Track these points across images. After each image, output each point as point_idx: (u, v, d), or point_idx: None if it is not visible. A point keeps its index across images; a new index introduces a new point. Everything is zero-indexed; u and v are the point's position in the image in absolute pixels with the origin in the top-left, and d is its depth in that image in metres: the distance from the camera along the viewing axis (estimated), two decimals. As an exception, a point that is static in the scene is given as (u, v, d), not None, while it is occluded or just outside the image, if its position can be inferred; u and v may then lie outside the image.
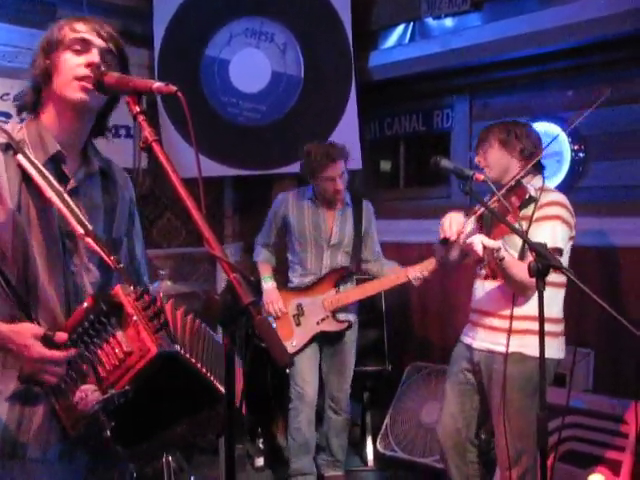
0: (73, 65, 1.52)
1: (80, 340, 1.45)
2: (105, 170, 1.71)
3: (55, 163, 1.57)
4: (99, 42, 1.55)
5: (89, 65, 1.51)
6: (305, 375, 3.54)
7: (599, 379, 3.55)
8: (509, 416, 2.63)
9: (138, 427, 1.56)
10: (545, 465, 2.02)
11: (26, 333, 1.42)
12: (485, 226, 2.50)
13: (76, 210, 1.52)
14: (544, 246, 1.97)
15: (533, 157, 2.69)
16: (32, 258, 1.51)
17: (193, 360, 1.50)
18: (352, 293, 3.51)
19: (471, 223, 2.58)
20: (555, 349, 2.69)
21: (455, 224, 2.58)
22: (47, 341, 1.42)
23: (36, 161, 1.52)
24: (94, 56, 1.52)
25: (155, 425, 1.59)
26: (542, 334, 1.96)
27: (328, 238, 3.52)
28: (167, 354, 1.42)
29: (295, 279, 3.61)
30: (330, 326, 3.52)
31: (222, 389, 1.48)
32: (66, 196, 1.52)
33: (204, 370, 1.52)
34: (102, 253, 1.55)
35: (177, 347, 1.47)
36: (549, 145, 2.85)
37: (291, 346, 3.49)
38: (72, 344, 1.44)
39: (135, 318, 1.42)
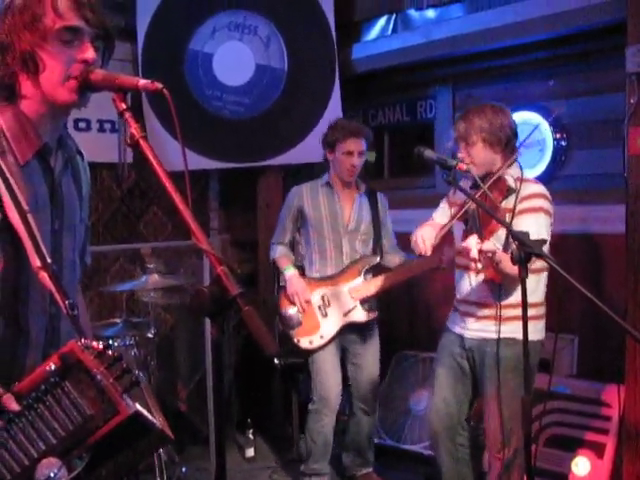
0: (65, 62, 1.41)
1: (33, 405, 1.24)
2: (81, 152, 1.64)
3: (40, 157, 1.48)
4: (89, 30, 1.43)
5: (84, 62, 1.41)
6: (329, 378, 3.45)
7: (583, 364, 3.61)
8: (503, 398, 2.69)
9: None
10: (529, 448, 2.06)
11: None
12: (473, 227, 2.51)
13: (37, 236, 1.38)
14: (526, 234, 2.01)
15: (512, 146, 2.73)
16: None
17: (147, 414, 1.33)
18: (382, 281, 3.36)
19: (456, 225, 2.63)
20: (540, 331, 2.78)
21: (427, 239, 2.66)
22: None
23: (4, 168, 1.39)
24: (89, 52, 1.42)
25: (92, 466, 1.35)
26: (525, 320, 2.01)
27: (345, 223, 3.47)
28: (133, 415, 1.26)
29: (315, 272, 3.52)
30: (359, 316, 3.43)
31: (157, 423, 1.34)
32: (29, 217, 1.38)
33: (152, 418, 1.35)
34: (56, 293, 1.39)
35: (137, 405, 1.29)
36: (530, 135, 2.88)
37: (319, 339, 3.41)
38: (25, 409, 1.23)
39: (99, 377, 1.24)
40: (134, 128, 1.31)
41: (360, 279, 3.43)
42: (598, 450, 3.20)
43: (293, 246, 3.69)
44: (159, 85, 1.31)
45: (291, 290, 3.44)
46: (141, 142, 1.30)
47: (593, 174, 3.73)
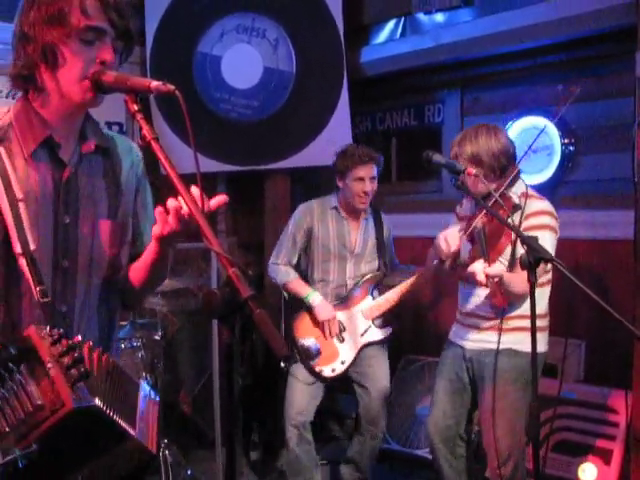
0: (84, 61, 1.43)
1: None
2: (106, 148, 1.62)
3: (48, 149, 1.50)
4: (112, 31, 1.44)
5: (102, 63, 1.42)
6: (295, 395, 3.40)
7: (590, 369, 3.60)
8: (500, 410, 2.65)
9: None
10: (538, 454, 2.05)
11: None
12: (480, 246, 2.50)
13: (24, 224, 1.42)
14: (535, 239, 2.00)
15: (510, 167, 2.68)
16: None
17: (110, 412, 1.30)
18: (391, 297, 3.34)
19: (465, 242, 2.61)
20: (543, 343, 2.74)
21: (452, 243, 2.61)
22: None
23: (5, 157, 1.44)
24: (108, 53, 1.43)
25: (54, 476, 1.34)
26: (534, 325, 2.00)
27: (352, 248, 3.43)
28: (85, 409, 1.23)
29: (317, 291, 3.42)
30: (375, 335, 3.41)
31: (132, 431, 1.33)
32: (20, 205, 1.42)
33: (118, 419, 1.32)
34: (30, 279, 1.41)
35: (97, 400, 1.27)
36: (536, 140, 2.86)
37: (340, 365, 3.35)
38: None
39: (49, 366, 1.23)
40: (146, 130, 1.31)
41: (369, 298, 3.43)
42: (605, 456, 3.18)
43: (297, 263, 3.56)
44: (171, 87, 1.31)
45: (323, 318, 3.34)
46: (153, 144, 1.30)
47: (601, 179, 3.72)
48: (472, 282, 2.65)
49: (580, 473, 3.21)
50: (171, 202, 1.36)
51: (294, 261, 3.48)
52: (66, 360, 1.25)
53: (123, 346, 3.41)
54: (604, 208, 3.59)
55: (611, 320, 1.70)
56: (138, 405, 1.44)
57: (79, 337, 1.39)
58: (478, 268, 2.41)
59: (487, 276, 2.40)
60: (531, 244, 1.96)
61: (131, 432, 1.33)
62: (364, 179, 3.30)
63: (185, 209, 1.33)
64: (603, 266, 3.56)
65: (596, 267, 3.56)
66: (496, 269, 2.43)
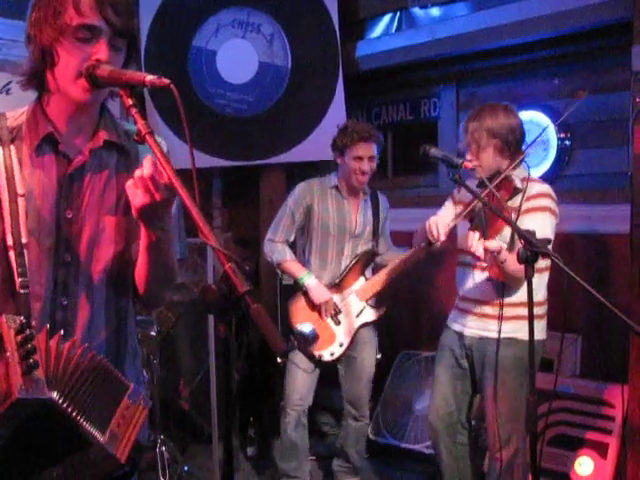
0: (79, 58, 1.43)
1: None
2: (120, 143, 1.60)
3: (52, 145, 1.52)
4: (108, 29, 1.43)
5: (97, 61, 1.41)
6: (296, 378, 3.39)
7: (586, 364, 3.60)
8: (500, 397, 2.68)
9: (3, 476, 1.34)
10: (535, 448, 2.06)
11: None
12: (479, 226, 2.50)
13: (20, 218, 1.46)
14: (533, 234, 2.00)
15: (519, 149, 2.73)
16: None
17: (68, 408, 1.28)
18: (384, 275, 3.28)
19: (461, 224, 2.61)
20: (541, 331, 2.76)
21: (441, 226, 2.65)
22: None
23: (14, 155, 1.48)
24: (102, 52, 1.43)
25: (24, 473, 1.34)
26: (531, 320, 2.00)
27: (352, 229, 3.41)
28: (35, 402, 1.23)
29: (313, 272, 3.38)
30: (370, 316, 3.40)
31: (99, 437, 1.31)
32: (20, 200, 1.46)
33: (79, 418, 1.30)
34: (15, 270, 1.45)
35: (53, 394, 1.26)
36: (539, 137, 2.87)
37: (339, 348, 3.35)
38: None
39: (8, 355, 1.23)
40: (141, 124, 1.30)
41: (362, 279, 3.41)
42: (601, 450, 3.19)
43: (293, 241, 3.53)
44: (166, 81, 1.30)
45: (319, 300, 3.31)
46: (148, 138, 1.29)
47: (598, 173, 3.72)
48: (469, 262, 2.71)
49: (577, 467, 3.22)
50: (137, 172, 1.33)
51: (291, 239, 3.44)
52: (24, 349, 1.26)
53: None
54: (600, 202, 3.59)
55: (607, 314, 1.71)
56: (118, 410, 1.40)
57: (47, 326, 1.38)
58: (474, 238, 2.41)
59: (485, 250, 2.40)
60: (528, 238, 1.96)
61: (98, 437, 1.31)
62: (363, 158, 3.27)
63: (150, 174, 1.30)
64: (599, 260, 3.56)
65: (592, 261, 3.56)
66: (494, 243, 2.44)
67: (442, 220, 2.70)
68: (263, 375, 4.40)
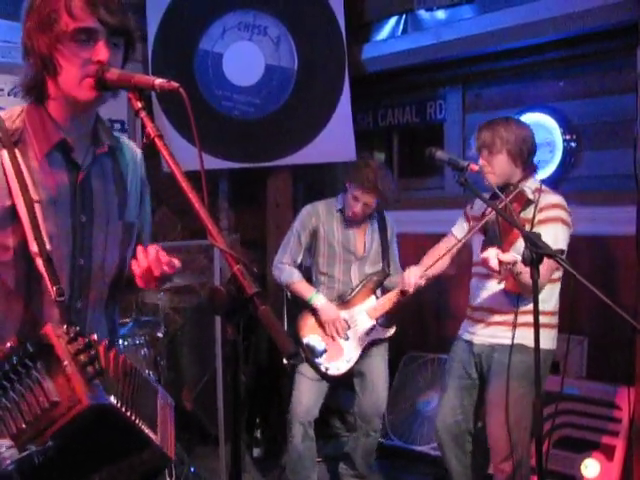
0: (80, 62, 1.43)
1: (3, 384, 1.24)
2: (114, 149, 1.64)
3: (62, 152, 1.52)
4: (104, 30, 1.43)
5: (98, 62, 1.42)
6: (302, 393, 3.40)
7: (592, 366, 3.60)
8: (507, 405, 2.66)
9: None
10: (541, 451, 2.06)
11: None
12: (492, 238, 2.50)
13: (40, 225, 1.45)
14: (538, 236, 2.00)
15: (531, 162, 2.76)
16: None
17: (127, 412, 1.31)
18: (395, 296, 3.29)
19: (475, 237, 2.66)
20: (552, 340, 2.76)
21: (412, 277, 2.92)
22: None
23: (20, 159, 1.46)
24: (102, 53, 1.43)
25: (71, 476, 1.34)
26: (537, 322, 2.00)
27: (357, 252, 3.43)
28: (100, 407, 1.24)
29: (321, 291, 3.42)
30: (380, 334, 3.43)
31: (153, 437, 1.35)
32: (36, 206, 1.45)
33: (138, 421, 1.34)
34: (47, 279, 1.45)
35: (112, 398, 1.28)
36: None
37: (345, 363, 3.36)
38: None
39: (66, 363, 1.23)
40: (150, 127, 1.31)
41: (373, 298, 3.43)
42: (608, 452, 3.19)
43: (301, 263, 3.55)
44: (175, 85, 1.31)
45: (327, 319, 3.34)
46: (157, 141, 1.31)
47: (603, 175, 3.72)
48: (484, 273, 2.71)
49: (583, 469, 3.21)
50: (140, 255, 1.46)
51: (299, 260, 3.47)
52: (82, 358, 1.26)
53: (126, 343, 3.42)
54: (606, 204, 3.59)
55: (613, 316, 1.71)
56: (158, 409, 1.45)
57: (95, 336, 1.39)
58: (492, 254, 2.41)
59: (500, 262, 2.40)
60: (533, 240, 1.97)
61: (152, 437, 1.34)
62: (358, 200, 3.28)
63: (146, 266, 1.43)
64: (605, 262, 3.56)
65: (597, 263, 3.56)
66: (509, 255, 2.44)
67: (414, 272, 2.95)
68: (270, 377, 4.40)
